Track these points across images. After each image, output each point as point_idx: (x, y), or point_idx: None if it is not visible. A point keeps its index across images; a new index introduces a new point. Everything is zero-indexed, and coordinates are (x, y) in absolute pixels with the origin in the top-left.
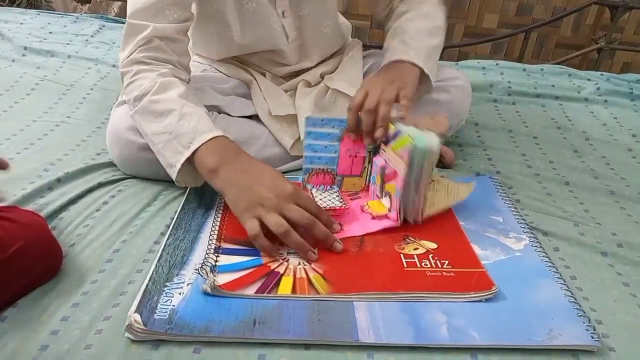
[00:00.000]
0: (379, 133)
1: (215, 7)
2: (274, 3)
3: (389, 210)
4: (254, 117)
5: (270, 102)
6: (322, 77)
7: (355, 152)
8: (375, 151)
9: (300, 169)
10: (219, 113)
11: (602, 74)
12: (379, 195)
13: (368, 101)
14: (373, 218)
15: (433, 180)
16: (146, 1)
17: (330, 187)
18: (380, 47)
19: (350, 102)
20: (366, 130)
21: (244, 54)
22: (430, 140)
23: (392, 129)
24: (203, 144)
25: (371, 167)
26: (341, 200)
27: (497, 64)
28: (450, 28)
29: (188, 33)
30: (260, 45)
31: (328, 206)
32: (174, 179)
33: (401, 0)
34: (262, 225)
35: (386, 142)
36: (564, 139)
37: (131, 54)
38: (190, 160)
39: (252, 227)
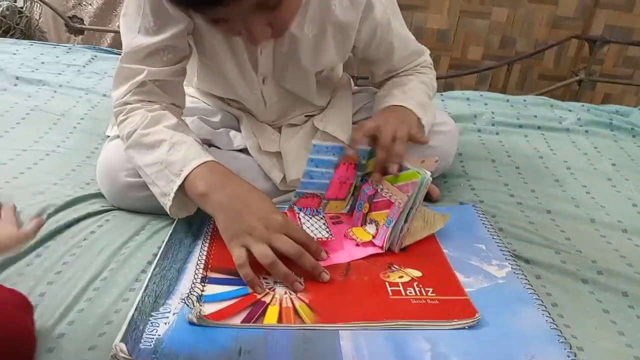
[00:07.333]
0: (393, 169)
1: (209, 55)
2: (255, 69)
3: (374, 237)
4: (244, 151)
5: (260, 138)
6: (307, 116)
7: (346, 178)
8: (363, 179)
9: (289, 201)
10: (209, 146)
11: (582, 105)
12: (363, 221)
13: (383, 138)
14: (357, 245)
15: None
16: (140, 43)
17: (317, 211)
18: (367, 79)
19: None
20: (379, 166)
21: (226, 95)
22: (429, 173)
23: None
24: (193, 170)
25: (358, 193)
26: (327, 230)
27: (481, 95)
28: (436, 60)
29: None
30: (239, 99)
31: (315, 237)
32: (167, 209)
33: (402, 71)
34: (250, 254)
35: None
36: (546, 168)
37: (124, 96)
38: (182, 189)
39: (239, 255)
